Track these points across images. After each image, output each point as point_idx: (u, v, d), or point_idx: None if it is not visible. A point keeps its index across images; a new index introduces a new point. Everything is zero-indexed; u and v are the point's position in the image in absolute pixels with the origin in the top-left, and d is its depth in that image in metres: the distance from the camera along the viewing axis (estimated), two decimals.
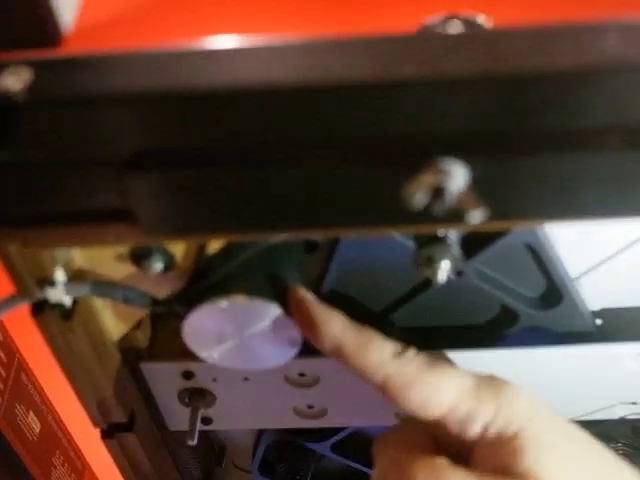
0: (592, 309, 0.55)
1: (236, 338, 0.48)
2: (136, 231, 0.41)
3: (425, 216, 0.36)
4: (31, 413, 0.67)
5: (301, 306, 0.47)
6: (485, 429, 0.45)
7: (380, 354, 0.46)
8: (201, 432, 0.69)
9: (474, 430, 0.45)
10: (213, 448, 0.74)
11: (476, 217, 0.36)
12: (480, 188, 0.35)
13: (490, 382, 0.47)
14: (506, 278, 0.53)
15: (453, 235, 0.46)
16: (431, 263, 0.45)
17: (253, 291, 0.46)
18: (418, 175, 0.35)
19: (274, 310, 0.47)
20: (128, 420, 0.56)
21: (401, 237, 0.49)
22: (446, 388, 0.46)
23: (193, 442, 0.58)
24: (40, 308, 0.47)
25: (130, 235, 0.42)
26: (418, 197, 0.35)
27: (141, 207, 0.39)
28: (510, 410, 0.45)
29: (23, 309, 0.54)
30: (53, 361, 0.62)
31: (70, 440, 0.75)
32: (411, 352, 0.47)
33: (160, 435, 0.62)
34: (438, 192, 0.35)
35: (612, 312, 0.56)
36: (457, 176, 0.34)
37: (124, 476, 0.61)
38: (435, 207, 0.35)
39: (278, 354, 0.49)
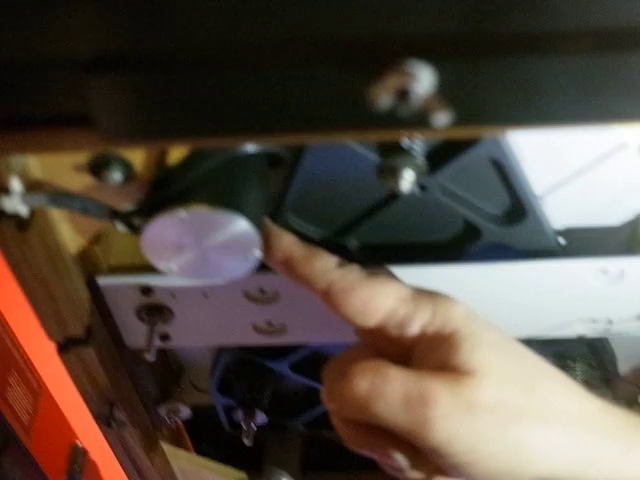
0: (556, 228, 0.55)
1: (195, 250, 0.47)
2: (95, 137, 0.40)
3: (390, 119, 0.36)
4: None
5: None
6: (423, 330, 0.47)
7: (325, 263, 0.48)
8: (159, 351, 0.68)
9: (412, 331, 0.47)
10: (171, 368, 0.73)
11: (441, 120, 0.35)
12: (446, 91, 0.35)
13: (427, 291, 0.48)
14: (470, 194, 0.52)
15: (417, 146, 0.45)
16: (394, 173, 0.44)
17: (214, 202, 0.45)
18: (383, 77, 0.34)
19: (234, 222, 0.46)
20: (85, 334, 0.55)
21: (364, 150, 0.48)
22: (384, 294, 0.47)
23: (151, 358, 0.58)
24: None
25: (88, 141, 0.40)
26: (383, 99, 0.34)
27: (100, 111, 0.37)
28: (446, 313, 0.47)
29: None
30: (8, 278, 0.61)
31: (26, 360, 0.74)
32: (354, 265, 0.49)
33: (117, 352, 0.61)
34: (403, 94, 0.34)
35: (576, 231, 0.56)
36: (423, 78, 0.33)
37: (81, 393, 0.61)
38: (400, 110, 0.35)
39: (237, 267, 0.48)
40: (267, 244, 0.49)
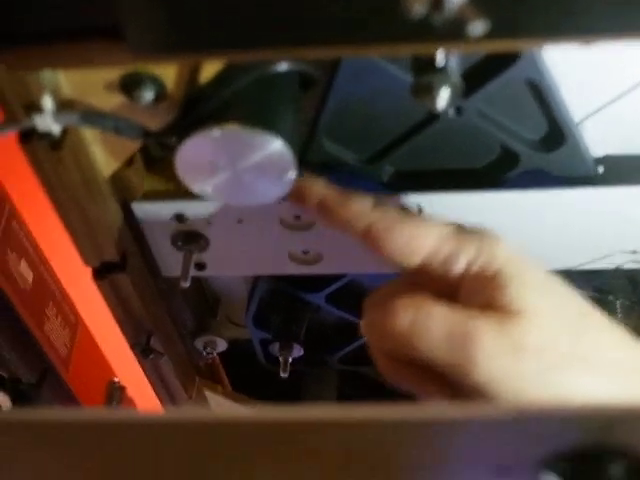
0: (594, 155, 0.54)
1: (229, 170, 0.47)
2: (125, 51, 0.39)
3: (424, 30, 0.35)
4: (23, 262, 0.67)
5: None
6: (468, 266, 0.46)
7: (361, 205, 0.48)
8: (195, 283, 0.69)
9: (457, 270, 0.46)
10: (207, 301, 0.73)
11: (476, 30, 0.35)
12: (481, 3, 0.34)
13: (471, 229, 0.48)
14: (507, 118, 0.51)
15: (453, 63, 0.44)
16: (430, 91, 0.43)
17: (248, 121, 0.45)
18: None
19: (269, 142, 0.45)
20: (120, 260, 0.55)
21: (399, 70, 0.48)
22: (427, 232, 0.47)
23: (186, 284, 0.58)
24: (28, 137, 0.46)
25: (117, 55, 0.40)
26: (417, 7, 0.34)
27: (130, 21, 0.37)
28: (491, 250, 0.46)
29: (14, 154, 0.53)
30: (45, 212, 0.62)
31: (63, 293, 0.75)
32: (391, 204, 0.49)
33: (153, 280, 0.61)
34: (437, 2, 0.33)
35: (615, 159, 0.55)
36: None
37: (118, 322, 0.61)
38: (434, 18, 0.34)
39: (271, 190, 0.48)
40: (300, 192, 0.49)
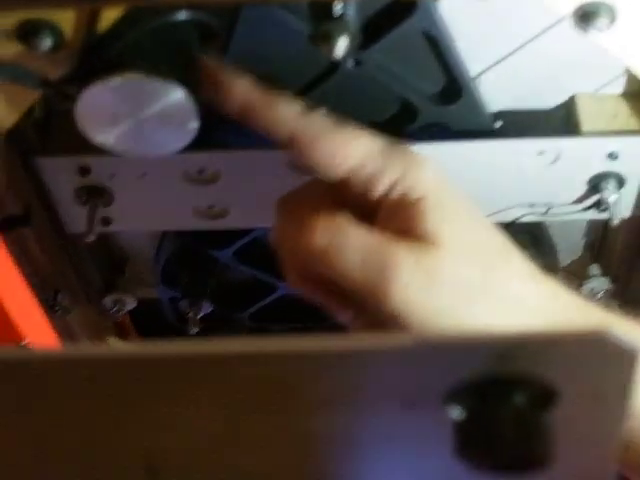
0: (491, 110, 0.56)
1: (131, 120, 0.47)
2: None
3: None
4: None
5: (209, 71, 0.47)
6: (391, 188, 0.45)
7: (288, 108, 0.46)
8: (102, 241, 0.69)
9: (379, 188, 0.45)
10: (115, 259, 0.73)
11: None
12: None
13: (399, 148, 0.46)
14: (405, 71, 0.52)
15: (351, 12, 0.45)
16: (328, 39, 0.44)
17: (149, 70, 0.45)
18: None
19: (170, 90, 0.45)
20: (24, 214, 0.55)
21: (299, 22, 0.48)
22: (354, 144, 0.46)
23: (90, 239, 0.58)
24: None
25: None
26: None
27: None
28: (417, 174, 0.45)
29: None
30: None
31: None
32: (320, 112, 0.47)
33: (58, 236, 0.61)
34: None
35: (511, 113, 0.57)
36: None
37: (25, 277, 0.61)
38: None
39: (173, 140, 0.48)
40: (225, 89, 0.46)
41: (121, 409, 0.30)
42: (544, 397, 0.27)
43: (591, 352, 0.26)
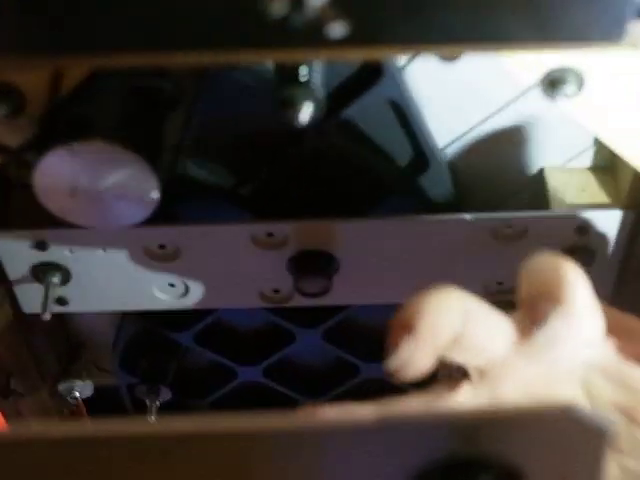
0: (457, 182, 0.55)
1: (90, 189, 0.46)
2: None
3: (285, 33, 0.35)
4: None
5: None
6: None
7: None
8: (59, 326, 0.67)
9: None
10: (72, 344, 0.71)
11: (336, 32, 0.35)
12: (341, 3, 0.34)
13: None
14: (372, 143, 0.52)
15: (317, 78, 0.44)
16: (293, 105, 0.43)
17: (110, 138, 0.44)
18: None
19: (131, 160, 0.44)
20: None
21: (262, 88, 0.48)
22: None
23: (46, 317, 0.56)
24: None
25: None
26: (277, 6, 0.34)
27: None
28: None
29: None
30: None
31: None
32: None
33: (14, 316, 0.59)
34: (298, 1, 0.34)
35: (479, 186, 0.56)
36: None
37: None
38: (295, 19, 0.34)
39: (133, 211, 0.47)
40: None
41: None
42: (510, 478, 0.25)
43: (556, 430, 0.24)
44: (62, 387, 0.70)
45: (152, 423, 0.26)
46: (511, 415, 0.25)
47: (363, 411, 0.35)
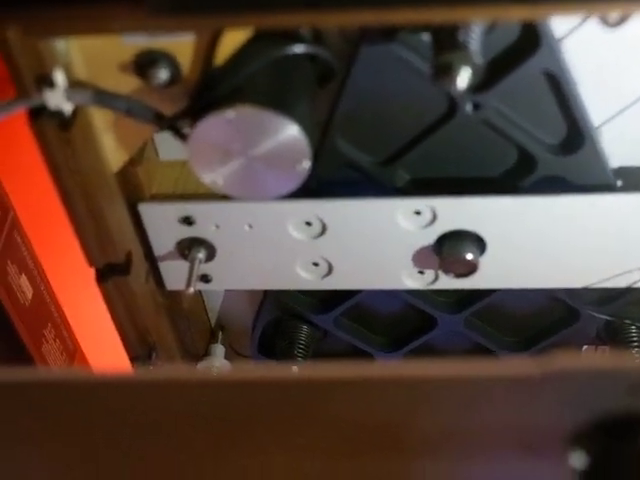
0: (612, 166, 0.53)
1: (242, 158, 0.46)
2: (141, 13, 0.39)
3: None
4: (23, 276, 0.65)
5: None
6: None
7: None
8: (199, 306, 0.67)
9: None
10: (211, 326, 0.71)
11: None
12: None
13: None
14: (525, 118, 0.50)
15: (475, 42, 0.43)
16: (450, 70, 0.42)
17: (264, 103, 0.44)
18: None
19: (284, 126, 0.44)
20: (125, 261, 0.54)
21: (419, 61, 0.47)
22: None
23: (190, 290, 0.56)
24: (38, 114, 0.45)
25: (135, 19, 0.39)
26: None
27: None
28: None
29: (21, 165, 0.52)
30: (47, 227, 0.60)
31: (62, 317, 0.73)
32: None
33: (157, 290, 0.59)
34: None
35: (630, 170, 0.54)
36: None
37: (119, 331, 0.59)
38: None
39: (284, 181, 0.47)
40: None
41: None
42: None
43: None
44: (201, 367, 0.70)
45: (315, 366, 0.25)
46: None
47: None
